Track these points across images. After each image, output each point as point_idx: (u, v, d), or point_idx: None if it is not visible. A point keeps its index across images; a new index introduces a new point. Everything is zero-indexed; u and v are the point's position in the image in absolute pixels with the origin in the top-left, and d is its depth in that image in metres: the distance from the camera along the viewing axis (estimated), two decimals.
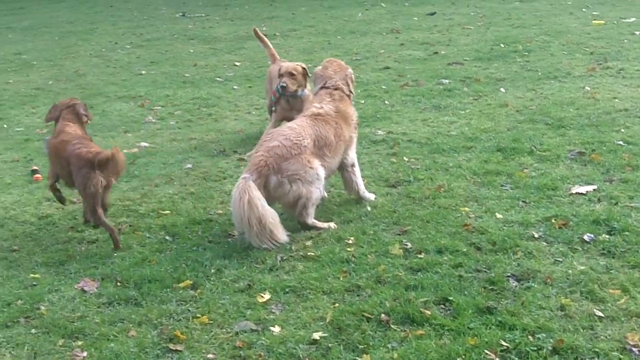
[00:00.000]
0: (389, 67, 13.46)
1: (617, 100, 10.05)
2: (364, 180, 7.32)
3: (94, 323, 5.35)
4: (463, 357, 4.62)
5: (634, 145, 8.15)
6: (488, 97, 10.82)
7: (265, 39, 10.24)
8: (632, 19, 16.77)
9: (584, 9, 18.88)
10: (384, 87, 11.98)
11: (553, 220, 6.39)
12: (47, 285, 5.98)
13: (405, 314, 5.11)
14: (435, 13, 20.07)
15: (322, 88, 7.22)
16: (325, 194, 7.04)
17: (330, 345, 4.87)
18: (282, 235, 6.37)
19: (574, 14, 18.08)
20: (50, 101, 12.74)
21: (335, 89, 7.15)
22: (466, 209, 6.80)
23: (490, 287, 5.40)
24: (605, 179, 7.31)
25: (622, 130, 8.71)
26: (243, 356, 4.84)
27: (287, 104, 8.86)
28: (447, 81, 11.90)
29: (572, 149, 8.14)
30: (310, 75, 8.40)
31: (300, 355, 4.79)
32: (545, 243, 6.04)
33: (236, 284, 5.76)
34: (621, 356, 4.56)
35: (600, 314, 4.98)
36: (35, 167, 9.01)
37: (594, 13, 18.22)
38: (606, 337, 4.75)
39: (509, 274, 5.56)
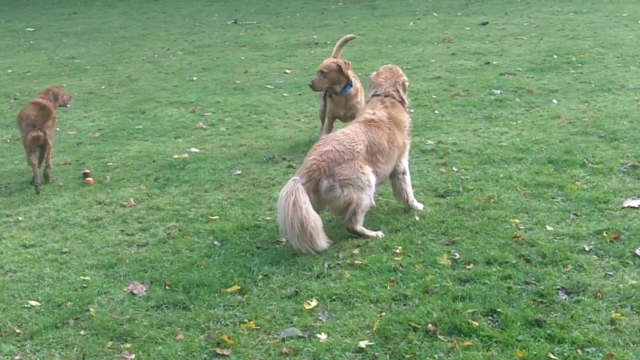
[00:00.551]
0: (439, 77, 13.40)
1: None
2: (413, 190, 7.29)
3: (142, 326, 5.40)
4: None
5: None
6: (540, 108, 10.72)
7: (339, 48, 9.92)
8: None
9: (639, 21, 18.63)
10: (434, 96, 11.93)
11: (604, 234, 6.30)
12: (96, 287, 6.05)
13: (452, 324, 5.08)
14: (487, 23, 19.94)
15: (373, 95, 7.23)
16: (374, 203, 7.03)
17: (376, 354, 4.86)
18: (322, 241, 6.36)
19: (629, 26, 17.83)
20: (103, 105, 13.00)
21: (386, 96, 7.15)
22: (516, 220, 6.74)
23: (540, 300, 5.35)
24: None
25: None
26: None
27: (332, 102, 8.90)
28: (498, 92, 11.81)
29: (625, 162, 8.02)
30: (344, 71, 8.66)
31: None
32: (596, 256, 5.96)
33: (283, 290, 5.77)
34: None
35: None
36: (86, 171, 9.13)
37: None
38: None
39: (559, 287, 5.50)
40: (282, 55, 17.35)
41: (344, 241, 6.59)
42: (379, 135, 6.81)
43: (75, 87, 14.84)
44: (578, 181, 7.59)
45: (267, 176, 8.56)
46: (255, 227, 7.09)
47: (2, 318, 5.64)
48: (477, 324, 5.06)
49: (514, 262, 5.93)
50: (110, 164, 9.54)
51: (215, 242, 6.80)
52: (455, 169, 8.24)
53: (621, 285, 5.47)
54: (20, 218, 7.78)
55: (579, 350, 4.72)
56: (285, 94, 13.03)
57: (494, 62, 14.40)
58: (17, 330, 5.44)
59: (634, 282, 5.50)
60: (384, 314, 5.32)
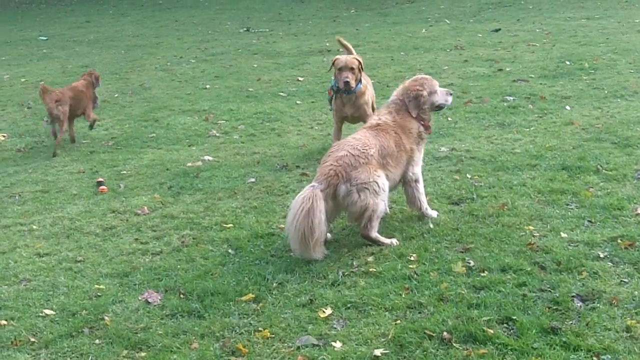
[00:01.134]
0: (452, 84, 13.37)
1: None
2: (426, 197, 7.28)
3: (157, 334, 5.41)
4: None
5: None
6: (553, 114, 10.70)
7: (349, 45, 10.11)
8: None
9: None
10: None
11: (619, 241, 6.29)
12: (111, 296, 6.07)
13: (467, 332, 5.08)
14: (500, 30, 19.91)
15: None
16: (388, 210, 7.03)
17: None
18: (319, 253, 6.42)
19: None
20: (116, 114, 13.03)
21: (392, 103, 7.21)
22: (530, 227, 6.73)
23: (555, 307, 5.34)
24: None
25: None
26: None
27: (340, 101, 8.92)
28: (511, 98, 11.79)
29: (639, 169, 7.99)
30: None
31: None
32: (610, 263, 5.95)
33: (298, 299, 5.78)
34: None
35: None
36: (100, 179, 9.16)
37: None
38: None
39: (574, 294, 5.48)
40: (294, 63, 17.37)
41: (358, 249, 6.60)
42: (386, 138, 6.86)
43: None
44: (592, 188, 7.57)
45: (280, 184, 8.57)
46: (269, 235, 7.10)
47: (16, 327, 5.67)
48: (492, 331, 5.06)
49: (529, 269, 5.91)
50: (124, 172, 9.57)
51: (230, 250, 6.81)
52: (469, 176, 8.23)
53: (636, 292, 5.45)
54: (34, 227, 7.80)
55: (594, 358, 4.71)
56: (298, 102, 13.04)
57: (507, 69, 14.37)
58: (32, 339, 5.46)
59: None
60: (398, 321, 5.32)
